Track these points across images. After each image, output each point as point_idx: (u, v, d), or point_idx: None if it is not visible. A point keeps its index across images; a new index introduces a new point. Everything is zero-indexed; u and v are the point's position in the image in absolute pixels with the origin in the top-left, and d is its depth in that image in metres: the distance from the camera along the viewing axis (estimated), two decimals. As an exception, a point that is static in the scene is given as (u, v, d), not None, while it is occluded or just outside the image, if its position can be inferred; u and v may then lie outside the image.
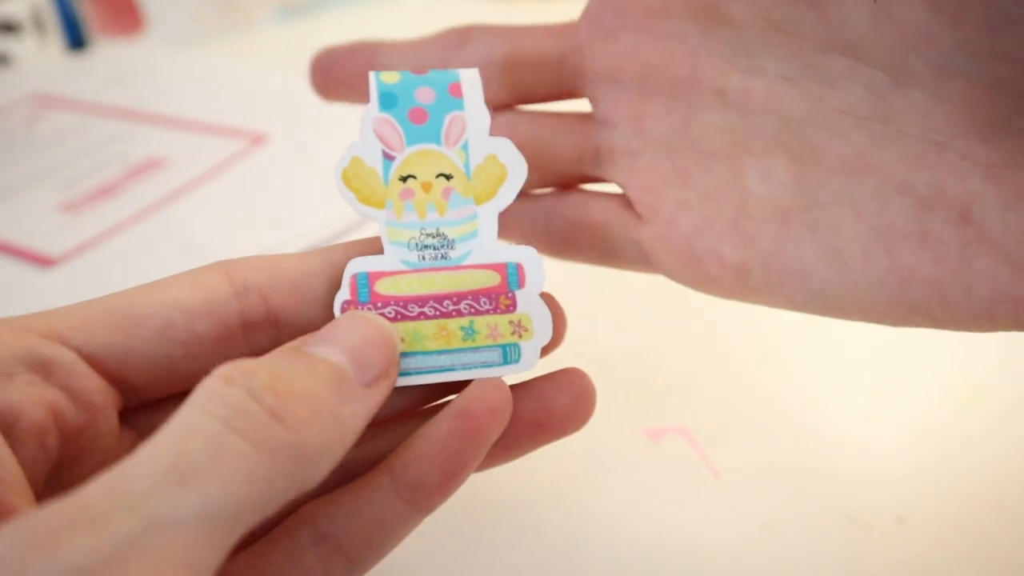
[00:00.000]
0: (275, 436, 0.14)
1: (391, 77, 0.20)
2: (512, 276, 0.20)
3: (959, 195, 0.18)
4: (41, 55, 0.67)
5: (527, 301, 0.20)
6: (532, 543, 0.25)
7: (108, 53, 0.67)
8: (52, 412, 0.16)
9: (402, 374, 0.19)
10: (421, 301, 0.19)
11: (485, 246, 0.20)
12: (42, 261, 0.39)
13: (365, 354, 0.17)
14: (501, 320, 0.19)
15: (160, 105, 0.54)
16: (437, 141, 0.20)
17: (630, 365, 0.32)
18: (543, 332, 0.20)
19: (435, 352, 0.19)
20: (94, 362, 0.17)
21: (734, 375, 0.31)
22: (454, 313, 0.19)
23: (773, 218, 0.21)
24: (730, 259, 0.21)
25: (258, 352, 0.18)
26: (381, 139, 0.20)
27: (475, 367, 0.19)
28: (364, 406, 0.17)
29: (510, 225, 0.24)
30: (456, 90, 0.20)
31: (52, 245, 0.40)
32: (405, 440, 0.19)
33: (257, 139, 0.48)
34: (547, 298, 0.20)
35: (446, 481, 0.18)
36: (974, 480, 0.26)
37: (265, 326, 0.19)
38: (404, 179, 0.20)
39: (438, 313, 0.19)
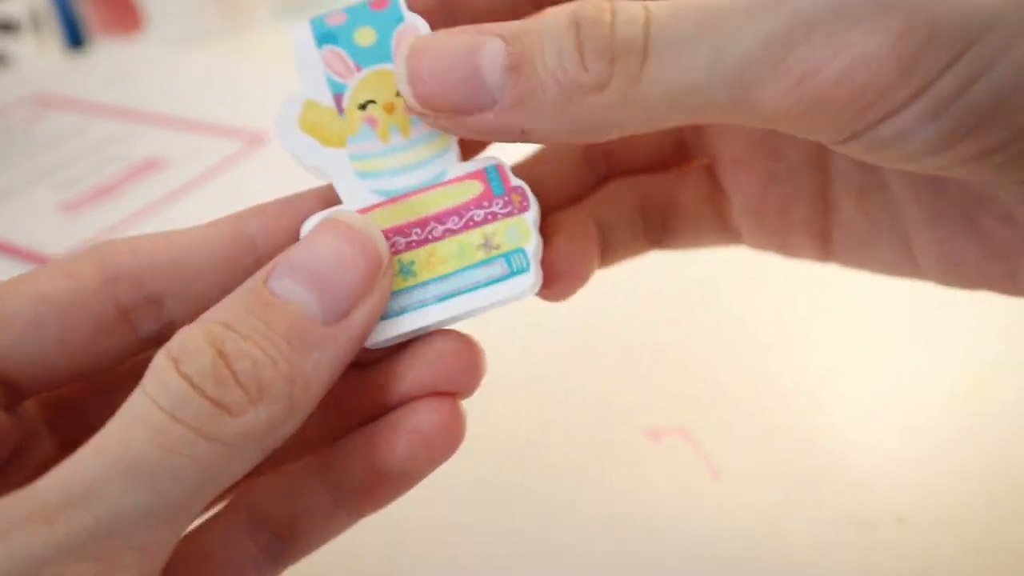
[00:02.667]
0: (222, 425, 0.14)
1: (333, 19, 0.19)
2: (494, 180, 0.18)
3: (1005, 200, 0.19)
4: (40, 55, 0.67)
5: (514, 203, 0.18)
6: (531, 543, 0.25)
7: (107, 53, 0.67)
8: None
9: (403, 312, 0.17)
10: (404, 231, 0.18)
11: (457, 161, 0.18)
12: (41, 261, 0.39)
13: (334, 279, 0.16)
14: (497, 228, 0.18)
15: (159, 105, 0.54)
16: (389, 59, 0.18)
17: (630, 365, 0.32)
18: (536, 234, 0.18)
19: (434, 280, 0.17)
20: None
21: (734, 375, 0.31)
22: (445, 234, 0.18)
23: (854, 192, 0.22)
24: (817, 228, 0.23)
25: (147, 338, 0.18)
26: (330, 68, 0.18)
27: (482, 285, 0.17)
28: (333, 351, 0.16)
29: (612, 230, 0.23)
30: (380, 3, 0.19)
31: (51, 245, 0.40)
32: (348, 434, 0.18)
33: (256, 139, 0.48)
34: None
35: (374, 492, 0.17)
36: (974, 480, 0.26)
37: (145, 310, 0.18)
38: (363, 106, 0.18)
39: (427, 238, 0.18)
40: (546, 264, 0.19)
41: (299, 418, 0.15)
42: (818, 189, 0.22)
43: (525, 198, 0.18)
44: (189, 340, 0.15)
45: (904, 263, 0.22)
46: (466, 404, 0.27)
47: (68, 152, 0.49)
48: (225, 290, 0.17)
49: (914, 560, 0.24)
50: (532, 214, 0.18)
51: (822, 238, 0.23)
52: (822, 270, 0.37)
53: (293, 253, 0.16)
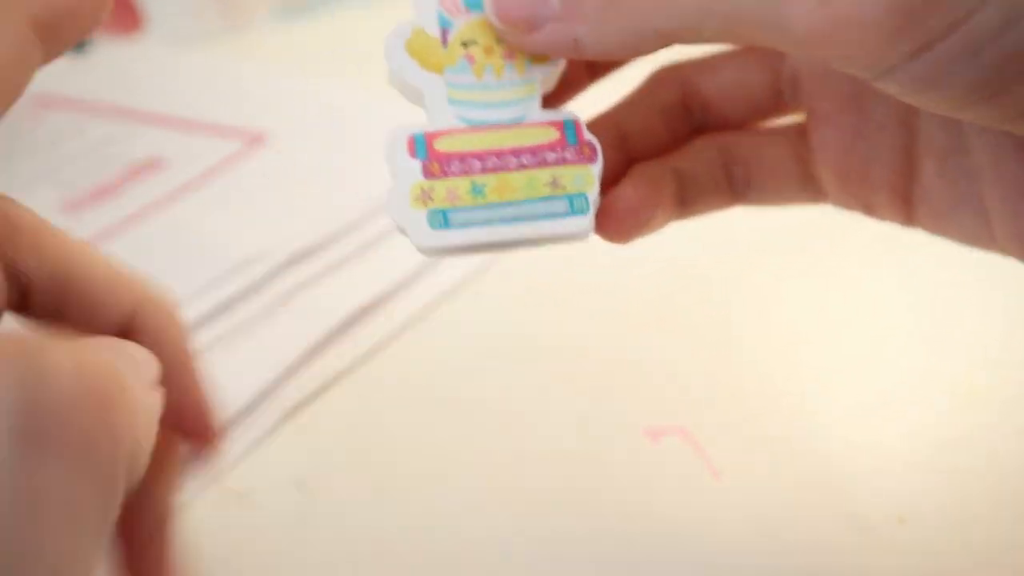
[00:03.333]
0: None
1: None
2: (569, 131, 0.20)
3: None
4: (41, 55, 0.67)
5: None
6: (531, 542, 0.25)
7: (108, 53, 0.67)
8: None
9: (468, 225, 0.19)
10: (481, 156, 0.19)
11: (540, 108, 0.20)
12: (42, 261, 0.39)
13: None
14: (566, 172, 0.19)
15: (160, 105, 0.54)
16: None
17: (630, 365, 0.32)
18: (598, 186, 0.20)
19: (501, 204, 0.19)
20: None
21: (734, 375, 0.31)
22: (518, 167, 0.19)
23: (935, 155, 0.21)
24: (900, 190, 0.22)
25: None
26: (443, 6, 0.20)
27: (542, 217, 0.19)
28: None
29: (694, 181, 0.23)
30: None
31: (52, 245, 0.40)
32: None
33: (257, 139, 0.48)
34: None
35: None
36: (974, 480, 0.26)
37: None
38: (465, 44, 0.20)
39: (501, 167, 0.19)
40: (607, 205, 0.21)
41: None
42: (902, 149, 0.22)
43: (595, 151, 0.20)
44: None
45: (983, 234, 0.21)
46: (466, 404, 0.27)
47: (68, 152, 0.49)
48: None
49: (914, 560, 0.24)
50: (598, 167, 0.20)
51: (904, 201, 0.22)
52: (823, 269, 0.37)
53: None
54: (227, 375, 0.32)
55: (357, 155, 0.45)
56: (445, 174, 0.19)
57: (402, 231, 0.19)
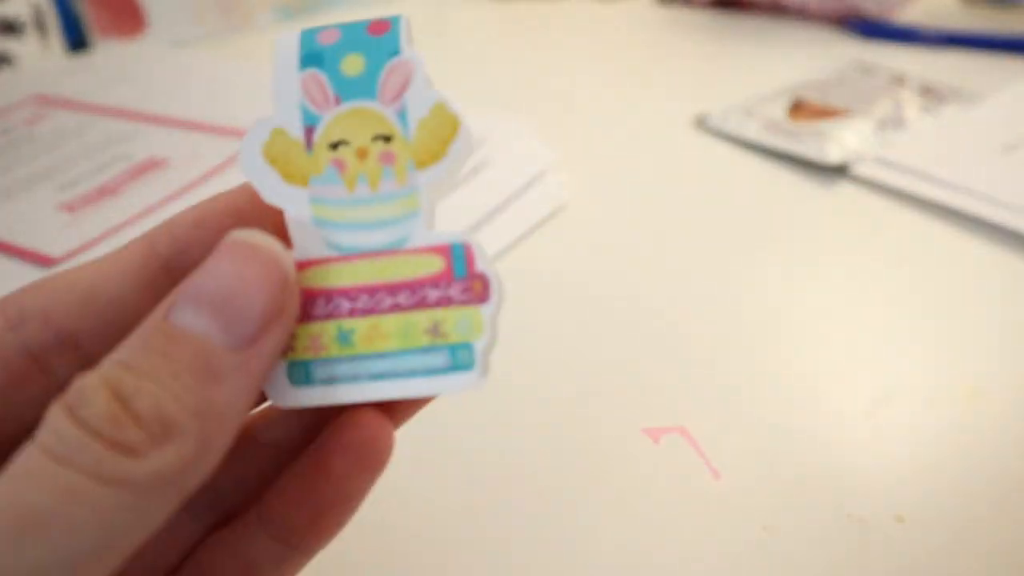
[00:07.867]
0: (125, 468, 0.13)
1: (326, 36, 0.17)
2: (458, 261, 0.16)
3: None
4: (42, 55, 0.67)
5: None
6: (530, 542, 0.25)
7: (109, 53, 0.67)
8: None
9: (333, 382, 0.16)
10: (350, 294, 0.16)
11: (425, 226, 0.16)
12: (43, 261, 0.39)
13: (239, 303, 0.14)
14: (449, 316, 0.16)
15: (161, 105, 0.54)
16: (372, 96, 0.16)
17: (630, 365, 0.32)
18: (492, 330, 0.16)
19: (371, 356, 0.16)
20: None
21: (734, 375, 0.31)
22: (393, 308, 0.16)
23: None
24: None
25: (61, 382, 0.16)
26: (307, 96, 0.16)
27: (419, 374, 0.16)
28: (244, 379, 0.14)
29: None
30: (379, 28, 0.17)
31: (53, 245, 0.40)
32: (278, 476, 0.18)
33: (257, 139, 0.48)
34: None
35: (316, 526, 0.17)
36: (974, 480, 0.26)
37: (60, 351, 0.16)
38: (334, 146, 0.16)
39: (372, 308, 0.16)
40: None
41: (216, 453, 0.14)
42: None
43: (487, 288, 0.16)
44: (85, 386, 0.13)
45: None
46: (467, 404, 0.27)
47: (69, 152, 0.50)
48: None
49: (913, 559, 0.24)
50: (491, 308, 0.16)
51: None
52: (822, 270, 0.37)
53: (194, 281, 0.15)
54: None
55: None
56: (309, 318, 0.16)
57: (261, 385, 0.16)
